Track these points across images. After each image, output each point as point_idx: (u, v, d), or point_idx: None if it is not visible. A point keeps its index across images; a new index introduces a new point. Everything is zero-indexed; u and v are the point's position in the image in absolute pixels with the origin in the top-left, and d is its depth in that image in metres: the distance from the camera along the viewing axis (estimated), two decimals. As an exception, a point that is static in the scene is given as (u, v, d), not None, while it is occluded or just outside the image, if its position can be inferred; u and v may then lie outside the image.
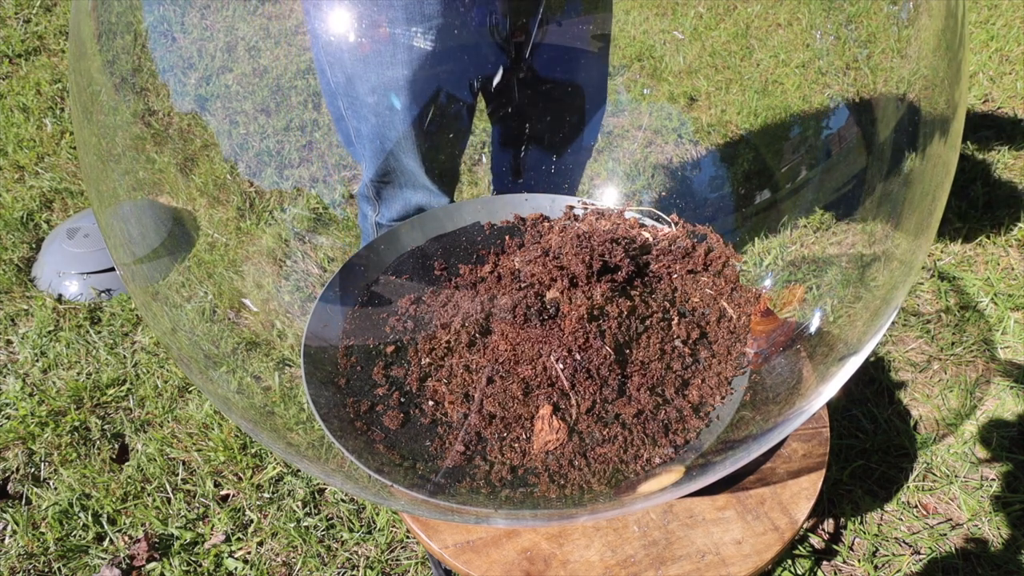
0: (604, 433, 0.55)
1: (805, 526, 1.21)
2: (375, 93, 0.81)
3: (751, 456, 0.54)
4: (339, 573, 1.17)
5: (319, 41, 0.78)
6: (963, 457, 1.28)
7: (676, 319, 0.62)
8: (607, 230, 0.68)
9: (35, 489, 1.29)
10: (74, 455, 1.33)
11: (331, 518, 1.25)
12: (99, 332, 1.56)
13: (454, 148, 0.91)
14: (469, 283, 0.68)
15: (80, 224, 1.72)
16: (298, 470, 1.30)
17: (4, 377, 1.48)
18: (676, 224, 0.70)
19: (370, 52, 0.76)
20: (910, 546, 1.18)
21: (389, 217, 0.95)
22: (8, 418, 1.39)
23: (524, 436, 0.55)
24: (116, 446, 1.35)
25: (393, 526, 1.22)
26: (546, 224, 0.75)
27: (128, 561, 1.19)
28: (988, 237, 1.66)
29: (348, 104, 0.83)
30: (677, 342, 0.61)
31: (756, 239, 0.68)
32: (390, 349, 0.62)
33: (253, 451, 1.33)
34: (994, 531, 1.18)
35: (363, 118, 0.84)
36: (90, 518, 1.24)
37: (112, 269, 1.64)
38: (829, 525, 1.22)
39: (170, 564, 1.17)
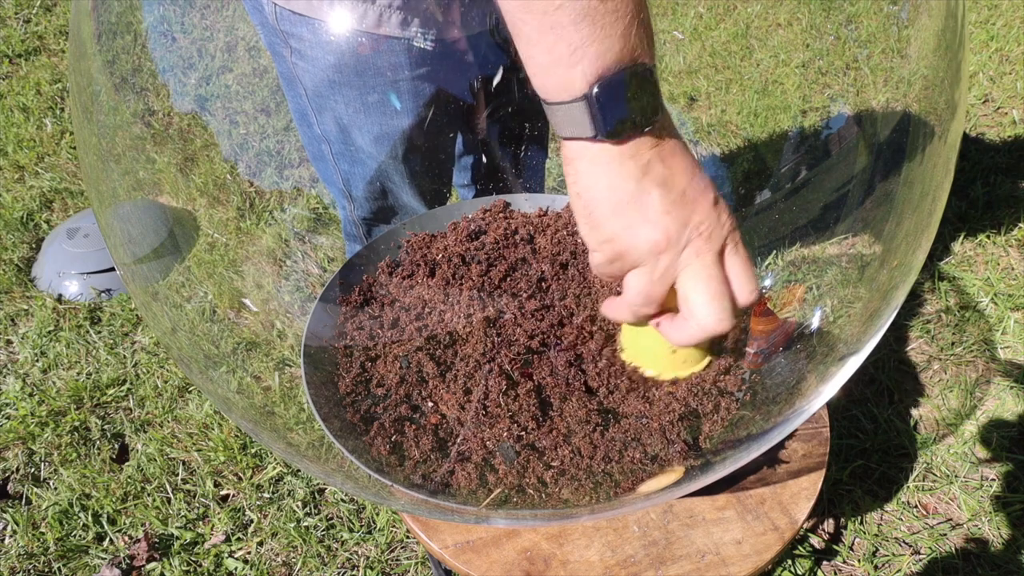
0: (604, 433, 0.55)
1: (805, 526, 1.21)
2: (378, 142, 0.77)
3: (751, 456, 0.54)
4: (339, 573, 1.17)
5: (300, 88, 0.74)
6: (963, 457, 1.28)
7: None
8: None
9: (35, 489, 1.29)
10: (74, 455, 1.33)
11: (331, 518, 1.25)
12: (99, 332, 1.56)
13: (448, 163, 0.90)
14: (472, 282, 0.68)
15: (80, 224, 1.72)
16: (298, 470, 1.30)
17: (4, 377, 1.48)
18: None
19: (373, 101, 0.72)
20: (910, 546, 1.18)
21: None
22: (8, 418, 1.39)
23: (525, 435, 0.55)
24: (116, 446, 1.36)
25: (393, 526, 1.22)
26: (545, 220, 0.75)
27: (128, 561, 1.19)
28: (988, 237, 1.66)
29: (340, 150, 0.80)
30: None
31: (756, 239, 0.68)
32: (390, 349, 0.62)
33: (253, 451, 1.33)
34: (994, 531, 1.18)
35: (359, 162, 0.81)
36: (90, 518, 1.24)
37: (112, 269, 1.64)
38: (829, 525, 1.22)
39: (170, 564, 1.17)
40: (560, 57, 0.37)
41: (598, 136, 0.39)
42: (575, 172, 0.42)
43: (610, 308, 0.50)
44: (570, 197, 0.43)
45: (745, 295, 0.44)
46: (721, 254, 0.43)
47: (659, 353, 0.55)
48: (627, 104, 0.38)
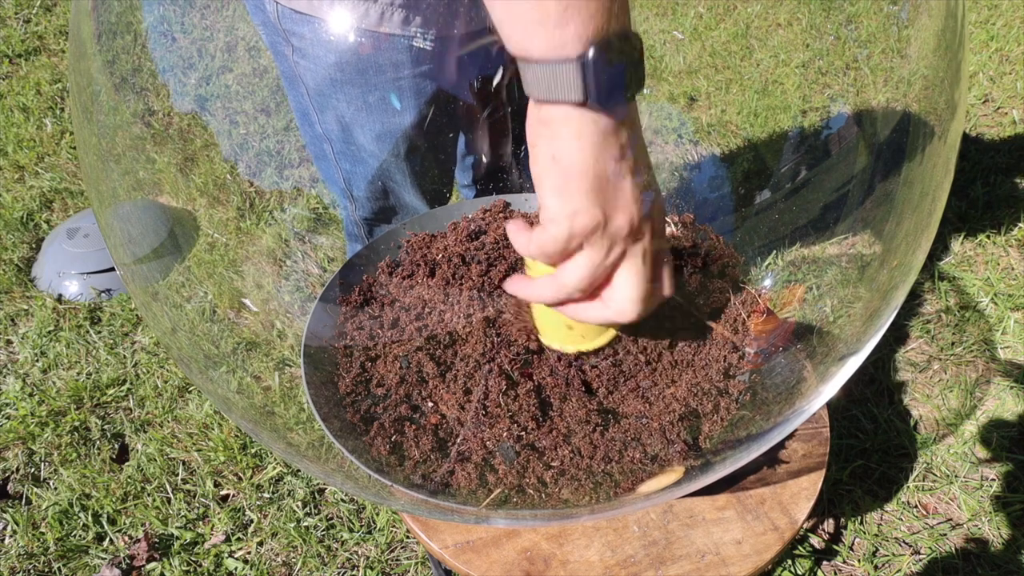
0: (604, 433, 0.55)
1: (805, 526, 1.21)
2: (380, 141, 0.76)
3: (751, 456, 0.54)
4: (339, 573, 1.17)
5: (302, 87, 0.73)
6: (963, 457, 1.28)
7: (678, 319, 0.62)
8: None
9: (35, 489, 1.29)
10: (74, 455, 1.33)
11: (331, 518, 1.25)
12: (99, 332, 1.56)
13: (450, 163, 0.90)
14: (472, 282, 0.68)
15: (80, 224, 1.72)
16: (298, 470, 1.30)
17: (4, 377, 1.48)
18: (676, 224, 0.70)
19: (374, 99, 0.72)
20: (910, 546, 1.18)
21: None
22: (8, 418, 1.39)
23: (525, 436, 0.55)
24: (116, 446, 1.36)
25: (393, 526, 1.22)
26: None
27: (128, 561, 1.19)
28: (988, 237, 1.66)
29: (342, 149, 0.79)
30: (679, 342, 0.61)
31: (756, 239, 0.68)
32: (390, 349, 0.62)
33: (253, 451, 1.33)
34: (994, 531, 1.18)
35: (361, 161, 0.80)
36: (90, 518, 1.24)
37: (112, 269, 1.64)
38: (829, 525, 1.22)
39: (170, 564, 1.17)
40: (547, 14, 0.35)
41: (588, 102, 0.36)
42: (552, 135, 0.39)
43: (524, 287, 0.48)
44: (539, 159, 0.40)
45: (669, 290, 0.46)
46: (660, 252, 0.44)
47: (560, 328, 0.55)
48: (620, 70, 0.36)
